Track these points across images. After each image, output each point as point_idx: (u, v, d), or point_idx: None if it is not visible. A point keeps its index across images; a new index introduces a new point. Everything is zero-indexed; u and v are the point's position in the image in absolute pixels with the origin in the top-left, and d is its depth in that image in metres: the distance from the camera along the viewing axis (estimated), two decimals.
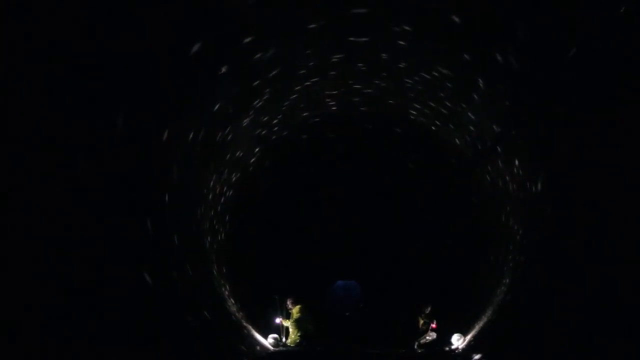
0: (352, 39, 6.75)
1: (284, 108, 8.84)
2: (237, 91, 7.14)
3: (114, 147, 4.36)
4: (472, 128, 8.17)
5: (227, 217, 9.71)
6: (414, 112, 9.20)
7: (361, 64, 7.71)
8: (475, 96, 7.21)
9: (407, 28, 6.26)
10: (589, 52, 4.52)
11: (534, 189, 6.70)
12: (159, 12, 4.38)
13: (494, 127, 7.48)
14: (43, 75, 3.27)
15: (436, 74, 7.35)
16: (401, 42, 6.67)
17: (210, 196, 8.38)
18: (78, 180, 3.79)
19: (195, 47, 5.19)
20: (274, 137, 9.81)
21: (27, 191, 3.21)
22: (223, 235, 9.55)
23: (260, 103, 7.97)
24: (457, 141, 9.19)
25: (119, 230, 4.47)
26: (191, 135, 6.45)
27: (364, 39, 6.78)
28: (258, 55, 6.46)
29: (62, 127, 3.55)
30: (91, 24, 3.61)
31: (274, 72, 7.20)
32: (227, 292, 8.93)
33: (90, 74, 3.76)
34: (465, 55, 6.42)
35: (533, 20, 4.98)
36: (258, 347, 8.39)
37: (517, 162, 7.23)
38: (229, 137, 7.98)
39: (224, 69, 6.14)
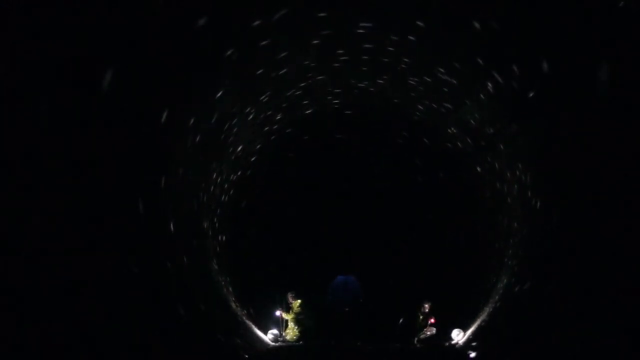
0: (356, 34, 6.74)
1: (285, 105, 8.83)
2: (239, 87, 7.12)
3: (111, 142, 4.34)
4: (473, 125, 8.16)
5: (228, 214, 9.70)
6: (416, 111, 9.19)
7: (364, 62, 7.71)
8: (477, 94, 7.21)
9: (411, 26, 6.25)
10: (588, 51, 4.52)
11: (534, 186, 6.70)
12: (159, 9, 4.36)
13: (495, 124, 7.48)
14: (39, 68, 3.25)
15: (438, 73, 7.34)
16: (404, 40, 6.66)
17: (211, 192, 8.37)
18: (76, 178, 3.79)
19: (198, 40, 5.17)
20: (274, 136, 9.81)
21: (26, 190, 3.21)
22: (224, 231, 9.55)
23: (264, 99, 7.96)
24: (458, 139, 9.18)
25: (116, 226, 4.47)
26: (191, 134, 6.44)
27: (367, 36, 6.77)
28: (261, 51, 6.44)
29: (56, 121, 3.53)
30: (88, 14, 3.57)
31: (279, 70, 7.20)
32: (226, 288, 8.93)
33: (88, 68, 3.74)
34: (467, 56, 6.42)
35: (533, 20, 4.96)
36: (257, 343, 8.41)
37: (517, 159, 7.23)
38: (230, 133, 7.96)
39: (226, 64, 6.12)
